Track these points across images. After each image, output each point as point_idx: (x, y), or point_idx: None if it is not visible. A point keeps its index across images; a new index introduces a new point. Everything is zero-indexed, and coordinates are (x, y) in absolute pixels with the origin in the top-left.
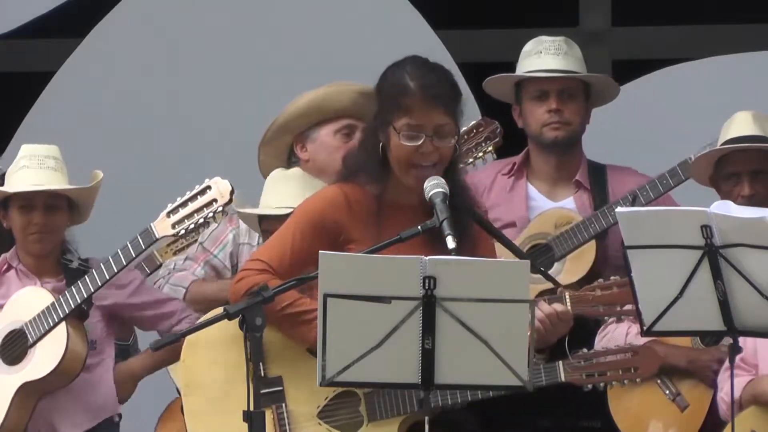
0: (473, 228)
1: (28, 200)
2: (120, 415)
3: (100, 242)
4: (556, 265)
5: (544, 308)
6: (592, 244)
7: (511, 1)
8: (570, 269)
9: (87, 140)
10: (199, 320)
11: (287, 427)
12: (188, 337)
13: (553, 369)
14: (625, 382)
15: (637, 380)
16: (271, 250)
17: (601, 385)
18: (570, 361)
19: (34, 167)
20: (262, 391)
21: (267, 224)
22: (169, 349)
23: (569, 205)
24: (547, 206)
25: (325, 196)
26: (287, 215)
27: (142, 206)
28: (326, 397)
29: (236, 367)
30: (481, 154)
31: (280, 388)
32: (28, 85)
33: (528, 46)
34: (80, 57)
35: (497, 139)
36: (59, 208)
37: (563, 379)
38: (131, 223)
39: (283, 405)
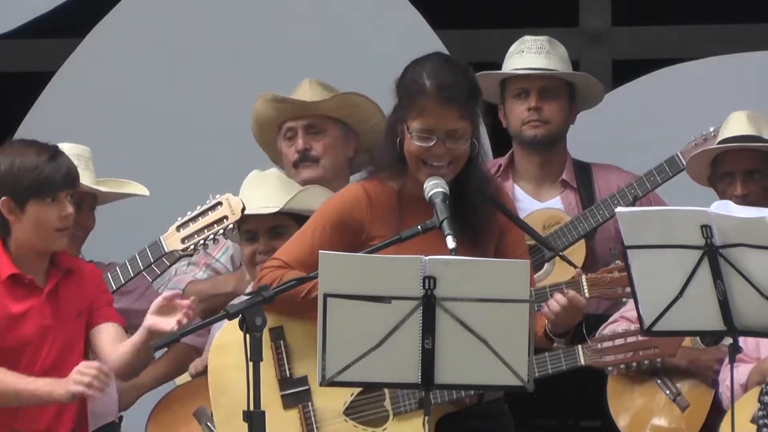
0: (500, 217)
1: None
2: (121, 417)
3: (98, 242)
4: (546, 266)
5: (558, 299)
6: (582, 243)
7: (511, 1)
8: (560, 270)
9: (86, 140)
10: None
11: (314, 426)
12: (214, 342)
13: (572, 353)
14: (646, 362)
15: (658, 361)
16: (291, 249)
17: (622, 367)
18: (589, 345)
19: (82, 167)
20: (288, 392)
21: (250, 224)
22: (176, 363)
23: (556, 204)
24: (533, 207)
25: (348, 193)
26: (270, 215)
27: (142, 206)
28: (352, 393)
29: (264, 369)
30: None
31: (306, 387)
32: (28, 85)
33: (512, 47)
34: (80, 57)
35: None
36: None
37: (583, 362)
38: (130, 222)
39: (309, 404)
